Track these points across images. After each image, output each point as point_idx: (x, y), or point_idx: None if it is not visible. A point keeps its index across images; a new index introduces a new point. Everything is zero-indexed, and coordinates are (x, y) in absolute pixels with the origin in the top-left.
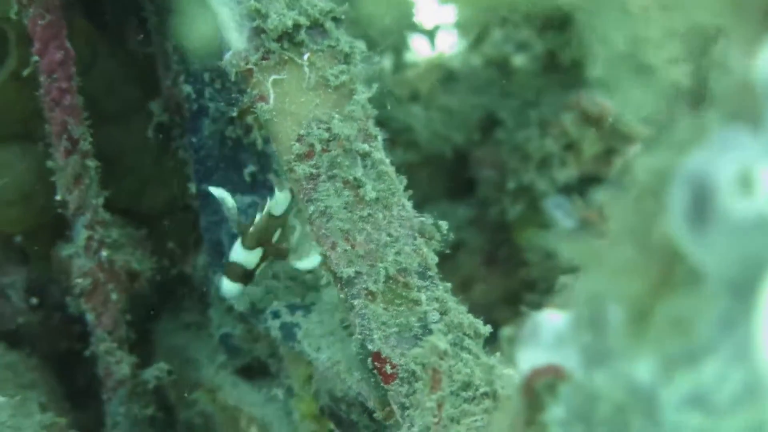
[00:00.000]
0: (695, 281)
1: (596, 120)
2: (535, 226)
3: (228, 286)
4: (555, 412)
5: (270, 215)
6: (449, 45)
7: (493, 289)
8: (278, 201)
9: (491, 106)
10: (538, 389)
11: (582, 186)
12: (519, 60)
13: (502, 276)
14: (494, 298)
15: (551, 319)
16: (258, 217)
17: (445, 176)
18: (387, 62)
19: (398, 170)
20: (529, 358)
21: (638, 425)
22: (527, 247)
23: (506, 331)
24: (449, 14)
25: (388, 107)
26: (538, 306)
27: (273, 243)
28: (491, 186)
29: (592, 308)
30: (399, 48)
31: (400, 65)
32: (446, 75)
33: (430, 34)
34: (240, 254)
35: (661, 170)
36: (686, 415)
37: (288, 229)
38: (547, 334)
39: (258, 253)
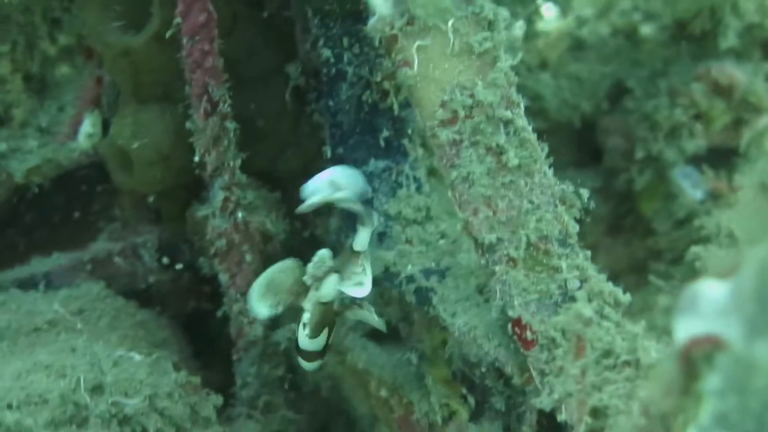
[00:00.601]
0: None
1: (726, 91)
2: (662, 196)
3: (309, 366)
4: (711, 382)
5: (322, 303)
6: (577, 14)
7: (617, 259)
8: (329, 287)
9: (620, 74)
10: (695, 358)
11: (711, 157)
12: (647, 29)
13: (626, 245)
14: (618, 267)
15: (711, 289)
16: (315, 307)
17: (573, 144)
18: (519, 31)
19: None
20: (687, 327)
21: None
22: (653, 217)
23: (663, 300)
24: None
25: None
26: (665, 276)
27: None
28: (618, 155)
29: (761, 279)
30: (531, 16)
31: (531, 34)
32: (575, 43)
33: (561, 3)
34: (310, 344)
35: None
36: None
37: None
38: (707, 304)
39: (324, 334)
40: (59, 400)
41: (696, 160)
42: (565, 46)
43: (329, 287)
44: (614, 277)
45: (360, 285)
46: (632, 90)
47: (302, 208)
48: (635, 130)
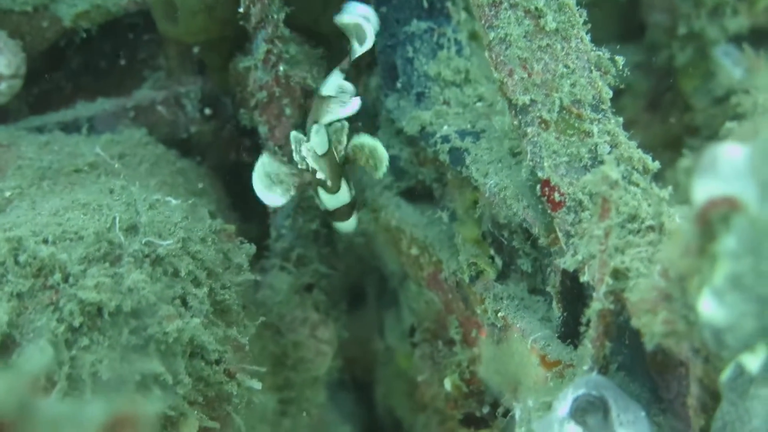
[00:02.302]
0: None
1: None
2: (702, 73)
3: (346, 226)
4: (727, 243)
5: (323, 155)
6: None
7: (654, 134)
8: (318, 139)
9: None
10: (713, 219)
11: (753, 36)
12: None
13: (663, 121)
14: (655, 142)
15: (731, 151)
16: (318, 162)
17: (617, 18)
18: None
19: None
20: (706, 188)
21: None
22: (692, 93)
23: (684, 161)
24: None
25: None
26: (700, 151)
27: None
28: (661, 31)
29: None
30: None
31: None
32: None
33: None
34: (334, 200)
35: None
36: None
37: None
38: (726, 166)
39: (344, 185)
40: (94, 237)
41: (737, 39)
42: None
43: (316, 137)
44: (649, 152)
45: (343, 104)
46: None
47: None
48: (679, 6)
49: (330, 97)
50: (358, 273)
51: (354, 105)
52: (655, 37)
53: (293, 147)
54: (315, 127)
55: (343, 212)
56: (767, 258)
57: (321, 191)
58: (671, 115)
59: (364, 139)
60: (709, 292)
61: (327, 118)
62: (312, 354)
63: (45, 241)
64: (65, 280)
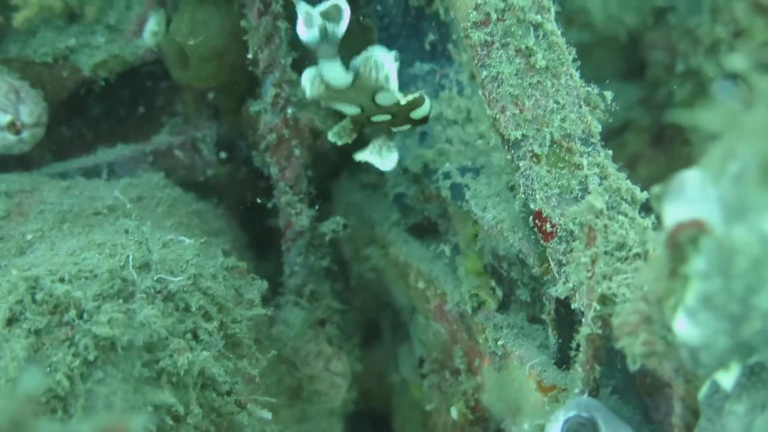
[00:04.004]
0: None
1: (767, 9)
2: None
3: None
4: (696, 264)
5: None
6: None
7: (659, 167)
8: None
9: None
10: (682, 242)
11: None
12: None
13: (667, 154)
14: (659, 175)
15: (698, 176)
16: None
17: (618, 57)
18: None
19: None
20: (675, 212)
21: None
22: (691, 128)
23: (655, 188)
24: None
25: None
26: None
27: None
28: (661, 68)
29: (723, 165)
30: None
31: None
32: None
33: None
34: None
35: None
36: None
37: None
38: (693, 190)
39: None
40: (108, 275)
41: (734, 75)
42: None
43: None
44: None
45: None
46: (676, 6)
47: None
48: (678, 44)
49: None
50: (373, 308)
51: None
52: (655, 74)
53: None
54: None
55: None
56: (736, 278)
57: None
58: (674, 148)
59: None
60: (682, 312)
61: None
62: (326, 387)
63: (61, 280)
64: (80, 316)
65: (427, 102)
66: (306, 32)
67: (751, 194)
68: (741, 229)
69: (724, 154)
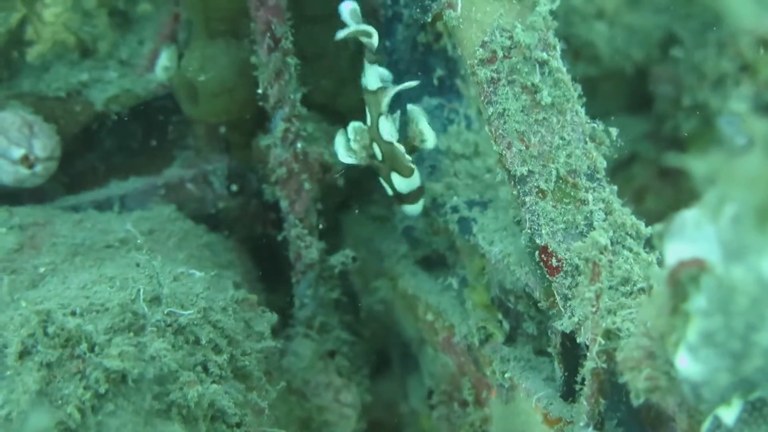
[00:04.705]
0: None
1: None
2: (707, 142)
3: (415, 209)
4: (697, 302)
5: (394, 144)
6: None
7: (666, 199)
8: (387, 128)
9: (672, 25)
10: (683, 280)
11: (754, 106)
12: None
13: (674, 187)
14: (666, 208)
15: (699, 216)
16: (398, 149)
17: (625, 91)
18: None
19: (581, 84)
20: (676, 251)
21: None
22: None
23: (657, 226)
24: None
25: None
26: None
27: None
28: (668, 102)
29: (720, 207)
30: None
31: None
32: None
33: None
34: (407, 184)
35: None
36: None
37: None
38: (695, 230)
39: (417, 170)
40: (119, 308)
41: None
42: None
43: (386, 127)
44: (661, 218)
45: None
46: (683, 40)
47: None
48: (684, 78)
49: (380, 88)
50: (383, 339)
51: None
52: (662, 107)
53: (351, 136)
54: (383, 118)
55: (416, 195)
56: (736, 315)
57: (395, 176)
58: (680, 181)
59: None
60: (684, 348)
61: (385, 105)
62: (336, 417)
63: (73, 314)
64: (91, 349)
65: (416, 179)
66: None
67: (749, 236)
68: (740, 269)
69: (720, 197)
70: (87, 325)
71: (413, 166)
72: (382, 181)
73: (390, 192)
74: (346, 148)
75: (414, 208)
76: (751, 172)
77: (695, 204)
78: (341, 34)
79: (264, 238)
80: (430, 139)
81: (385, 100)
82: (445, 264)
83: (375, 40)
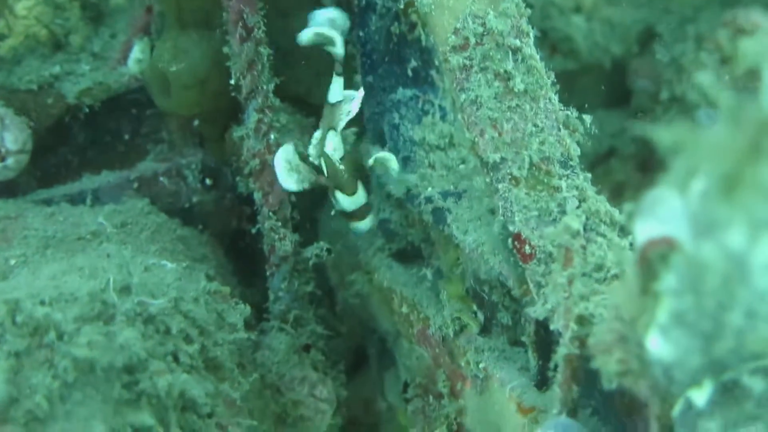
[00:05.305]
0: None
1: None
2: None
3: (363, 226)
4: (667, 282)
5: (332, 160)
6: None
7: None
8: (333, 143)
9: (651, 19)
10: (653, 259)
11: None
12: None
13: (653, 181)
14: None
15: (670, 194)
16: (339, 167)
17: (603, 85)
18: None
19: (558, 78)
20: (645, 230)
21: (744, 297)
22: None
23: (627, 206)
24: None
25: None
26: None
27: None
28: (646, 96)
29: (687, 181)
30: None
31: None
32: None
33: None
34: (350, 202)
35: (761, 51)
36: None
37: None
38: (665, 208)
39: (360, 187)
40: (88, 298)
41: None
42: None
43: (331, 141)
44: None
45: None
46: (661, 34)
47: (302, 37)
48: (662, 72)
49: (339, 102)
50: (360, 334)
51: (359, 97)
52: (640, 102)
53: (312, 143)
54: (331, 133)
55: (362, 213)
56: (707, 294)
57: (338, 194)
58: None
59: (378, 154)
60: (655, 329)
61: (342, 123)
62: (311, 412)
63: (41, 303)
64: (60, 338)
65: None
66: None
67: (717, 210)
68: (709, 245)
69: (687, 170)
70: (56, 314)
71: (357, 183)
72: (330, 196)
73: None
74: (287, 170)
75: (362, 225)
76: (717, 142)
77: (660, 180)
78: (302, 38)
79: (239, 232)
80: (392, 165)
81: (343, 118)
82: (421, 256)
83: (339, 50)
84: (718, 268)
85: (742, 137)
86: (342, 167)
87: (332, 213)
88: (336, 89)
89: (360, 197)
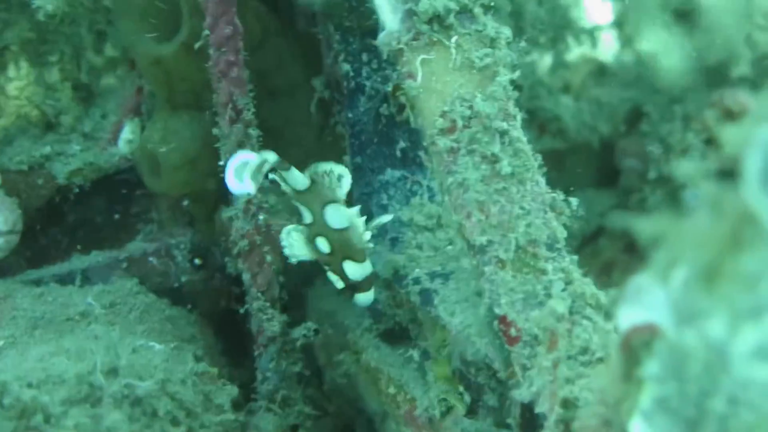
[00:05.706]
0: (763, 239)
1: (738, 117)
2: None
3: (367, 297)
4: (650, 368)
5: (350, 227)
6: (607, 43)
7: (633, 274)
8: (338, 215)
9: (639, 99)
10: (636, 346)
11: (721, 179)
12: (669, 59)
13: (642, 262)
14: None
15: (653, 281)
16: (356, 229)
17: (592, 164)
18: (547, 60)
19: (546, 157)
20: (629, 316)
21: (726, 384)
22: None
23: (612, 292)
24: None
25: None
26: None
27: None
28: (634, 175)
29: (668, 271)
30: (560, 48)
31: (559, 64)
32: (598, 69)
33: (590, 33)
34: (360, 270)
35: (743, 139)
36: (755, 367)
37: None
38: (648, 295)
39: (367, 258)
40: (75, 380)
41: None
42: (589, 71)
43: (334, 215)
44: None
45: (341, 177)
46: (649, 114)
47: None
48: (650, 152)
49: (312, 184)
50: (348, 414)
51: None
52: (629, 181)
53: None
54: (328, 206)
55: (368, 283)
56: (689, 381)
57: (348, 264)
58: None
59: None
60: (638, 415)
61: (341, 195)
62: None
63: (29, 385)
64: (47, 421)
65: (368, 265)
66: None
67: (698, 299)
68: (691, 333)
69: (668, 259)
70: (43, 397)
71: (365, 252)
72: (330, 275)
73: (341, 284)
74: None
75: (367, 297)
76: (698, 232)
77: (644, 267)
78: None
79: (228, 312)
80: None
81: (339, 192)
82: (408, 337)
83: (273, 157)
84: (699, 356)
85: (722, 227)
86: (361, 227)
87: (339, 288)
88: (295, 177)
89: (368, 265)
